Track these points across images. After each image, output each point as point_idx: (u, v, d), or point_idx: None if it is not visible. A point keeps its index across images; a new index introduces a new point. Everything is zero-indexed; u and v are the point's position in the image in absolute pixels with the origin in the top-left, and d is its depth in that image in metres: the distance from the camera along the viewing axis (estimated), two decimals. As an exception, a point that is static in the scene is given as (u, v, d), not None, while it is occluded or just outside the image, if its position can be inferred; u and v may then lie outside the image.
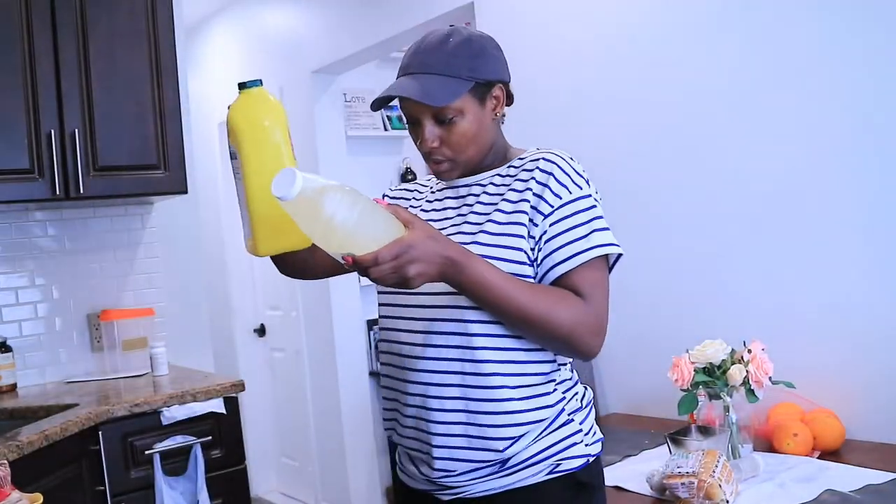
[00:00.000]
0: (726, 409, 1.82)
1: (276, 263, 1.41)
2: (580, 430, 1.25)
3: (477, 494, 1.23)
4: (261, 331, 4.58)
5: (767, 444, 1.95)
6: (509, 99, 1.31)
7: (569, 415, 1.25)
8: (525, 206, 1.20)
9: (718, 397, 1.83)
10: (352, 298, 3.87)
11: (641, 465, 1.91)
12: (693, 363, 1.85)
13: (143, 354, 2.67)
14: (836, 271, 2.02)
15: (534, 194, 1.20)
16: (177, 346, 2.85)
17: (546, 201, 1.19)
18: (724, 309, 2.23)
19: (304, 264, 1.38)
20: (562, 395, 1.25)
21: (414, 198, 1.40)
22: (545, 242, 1.19)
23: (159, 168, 2.57)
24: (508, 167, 1.27)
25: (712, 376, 1.83)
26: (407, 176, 4.31)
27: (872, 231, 1.95)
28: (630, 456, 2.04)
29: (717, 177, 2.26)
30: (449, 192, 1.32)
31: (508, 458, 1.19)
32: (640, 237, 2.44)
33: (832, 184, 2.01)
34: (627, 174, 2.47)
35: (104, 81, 2.47)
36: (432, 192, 1.37)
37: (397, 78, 1.25)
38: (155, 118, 2.56)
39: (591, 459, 1.27)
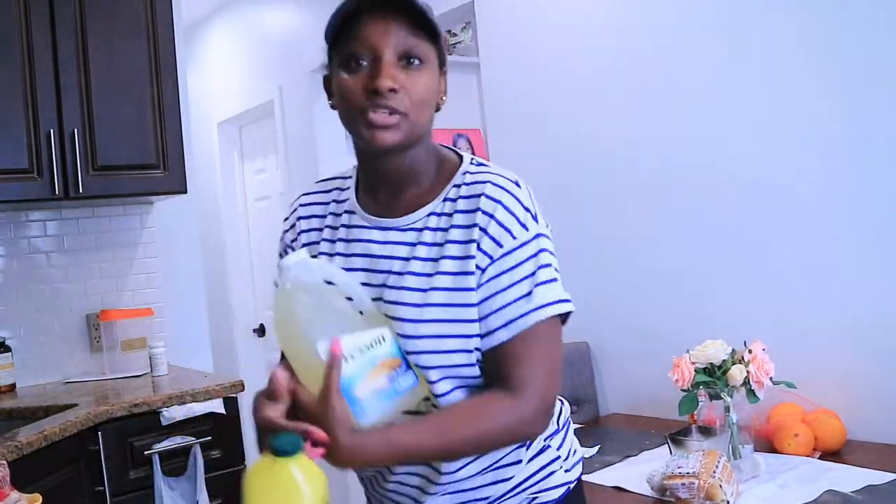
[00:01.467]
0: (727, 409, 1.82)
1: None
2: (558, 457, 1.12)
3: None
4: (260, 331, 4.57)
5: (768, 445, 1.95)
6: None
7: (544, 440, 1.11)
8: (472, 250, 0.99)
9: (719, 397, 1.82)
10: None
11: (642, 466, 1.90)
12: (693, 363, 1.84)
13: (143, 355, 2.66)
14: (838, 271, 2.01)
15: (475, 239, 0.99)
16: (176, 346, 2.85)
17: (485, 253, 0.99)
18: (724, 309, 2.23)
19: None
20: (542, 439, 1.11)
21: (332, 216, 1.13)
22: (484, 301, 0.99)
23: (158, 168, 2.57)
24: (444, 200, 1.04)
25: (713, 376, 1.82)
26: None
27: (874, 231, 1.95)
28: (630, 456, 2.04)
29: (718, 177, 2.25)
30: (375, 235, 1.06)
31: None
32: (641, 237, 2.44)
33: (834, 184, 2.01)
34: (627, 174, 2.47)
35: (103, 80, 2.47)
36: (346, 228, 1.09)
37: (350, 6, 0.98)
38: (154, 117, 2.56)
39: (572, 485, 1.14)
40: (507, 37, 2.81)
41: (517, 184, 1.03)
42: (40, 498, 1.27)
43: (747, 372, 1.79)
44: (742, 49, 2.17)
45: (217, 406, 2.25)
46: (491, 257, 0.99)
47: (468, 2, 2.93)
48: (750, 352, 1.82)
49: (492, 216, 0.99)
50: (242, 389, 2.33)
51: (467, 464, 1.04)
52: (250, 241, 4.61)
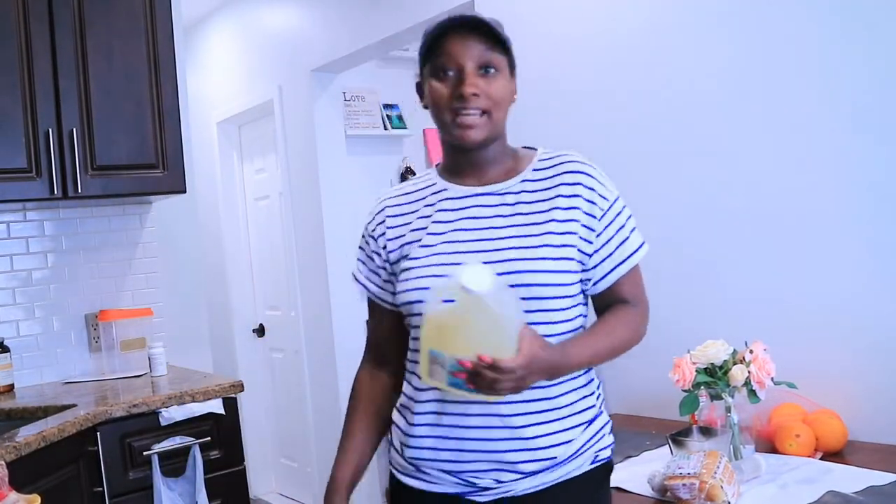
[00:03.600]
0: (728, 409, 1.81)
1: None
2: (608, 422, 1.35)
3: (522, 492, 1.23)
4: (260, 331, 4.57)
5: (769, 445, 1.94)
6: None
7: (599, 408, 1.34)
8: (577, 214, 1.25)
9: (720, 398, 1.82)
10: (352, 298, 3.86)
11: (642, 467, 1.90)
12: (694, 363, 1.84)
13: (142, 355, 2.66)
14: (839, 271, 2.01)
15: (585, 200, 1.25)
16: (175, 346, 2.84)
17: (598, 205, 1.26)
18: (725, 309, 2.23)
19: None
20: (595, 389, 1.35)
21: (422, 205, 1.34)
22: (602, 246, 1.26)
23: (158, 167, 2.57)
24: (534, 171, 1.30)
25: (714, 377, 1.82)
26: (407, 175, 4.30)
27: (876, 231, 1.94)
28: (631, 457, 2.03)
29: (719, 176, 2.25)
30: (472, 201, 1.29)
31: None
32: (642, 236, 2.43)
33: (836, 184, 2.00)
34: (627, 172, 2.45)
35: (102, 80, 2.46)
36: (441, 202, 1.31)
37: (439, 29, 1.23)
38: (153, 117, 2.55)
39: (612, 447, 1.36)
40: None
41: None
42: (39, 498, 1.27)
43: (748, 372, 1.78)
44: (748, 51, 2.17)
45: (216, 406, 2.25)
46: (602, 209, 1.26)
47: (468, 2, 2.92)
48: (751, 352, 1.82)
49: (592, 177, 1.27)
50: (242, 390, 2.33)
51: (539, 423, 1.23)
52: (250, 241, 4.61)
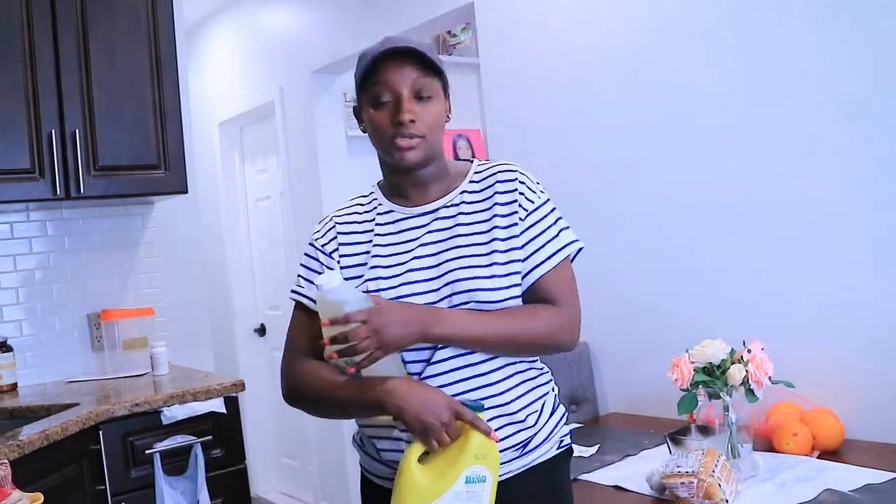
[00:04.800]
0: (726, 408, 1.82)
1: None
2: (565, 413, 1.43)
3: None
4: (261, 330, 4.58)
5: (767, 444, 1.95)
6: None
7: (557, 400, 1.41)
8: (515, 219, 1.30)
9: (718, 397, 1.83)
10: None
11: (641, 465, 1.91)
12: (693, 363, 1.85)
13: (144, 354, 2.67)
14: (836, 271, 2.02)
15: (519, 205, 1.31)
16: (177, 345, 2.85)
17: (523, 208, 1.31)
18: (723, 309, 2.24)
19: None
20: (549, 378, 1.40)
21: (373, 225, 1.37)
22: (529, 242, 1.30)
23: (159, 168, 2.58)
24: (471, 182, 1.36)
25: (712, 376, 1.83)
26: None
27: (872, 230, 1.96)
28: (630, 456, 2.04)
29: (717, 176, 2.26)
30: (424, 220, 1.34)
31: (534, 436, 1.31)
32: (641, 237, 2.44)
33: (833, 183, 2.02)
34: (626, 173, 2.48)
35: (104, 81, 2.47)
36: (389, 223, 1.36)
37: (373, 55, 1.27)
38: (155, 118, 2.56)
39: (569, 437, 1.45)
40: (506, 38, 2.82)
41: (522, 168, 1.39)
42: (42, 497, 1.28)
43: (746, 371, 1.79)
44: (740, 54, 2.18)
45: (218, 405, 2.26)
46: (527, 210, 1.31)
47: (468, 2, 2.93)
48: (749, 351, 1.83)
49: (522, 182, 1.33)
50: (243, 389, 2.34)
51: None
52: (251, 241, 4.62)
